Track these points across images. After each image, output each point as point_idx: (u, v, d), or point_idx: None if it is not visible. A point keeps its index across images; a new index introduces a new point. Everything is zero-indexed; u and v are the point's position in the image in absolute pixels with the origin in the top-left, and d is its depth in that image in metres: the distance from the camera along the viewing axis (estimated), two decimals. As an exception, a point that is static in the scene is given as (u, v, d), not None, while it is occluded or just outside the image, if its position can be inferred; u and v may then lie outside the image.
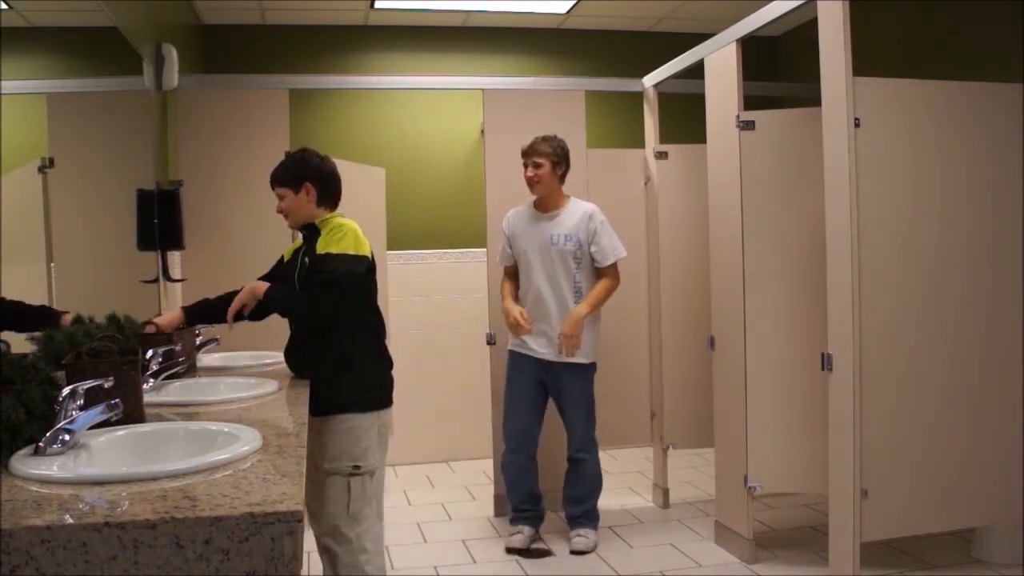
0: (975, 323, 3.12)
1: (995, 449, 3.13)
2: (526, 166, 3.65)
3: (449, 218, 5.34)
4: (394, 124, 5.37)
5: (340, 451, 2.59)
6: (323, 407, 2.55)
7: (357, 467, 2.60)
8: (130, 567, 1.18)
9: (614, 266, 3.64)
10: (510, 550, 3.64)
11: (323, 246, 2.61)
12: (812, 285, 3.21)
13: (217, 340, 3.33)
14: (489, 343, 4.11)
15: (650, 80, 4.36)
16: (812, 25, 3.01)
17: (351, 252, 2.59)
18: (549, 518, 3.88)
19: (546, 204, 3.68)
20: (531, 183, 3.64)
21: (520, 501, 3.75)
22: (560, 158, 3.64)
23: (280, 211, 2.78)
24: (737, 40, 3.42)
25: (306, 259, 2.69)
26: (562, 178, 3.68)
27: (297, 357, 2.75)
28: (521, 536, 3.68)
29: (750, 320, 3.43)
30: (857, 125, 2.90)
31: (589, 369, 3.67)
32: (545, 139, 3.66)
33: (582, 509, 3.71)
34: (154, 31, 3.59)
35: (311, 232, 2.74)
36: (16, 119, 2.03)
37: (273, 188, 2.77)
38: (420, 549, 3.78)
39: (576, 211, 3.65)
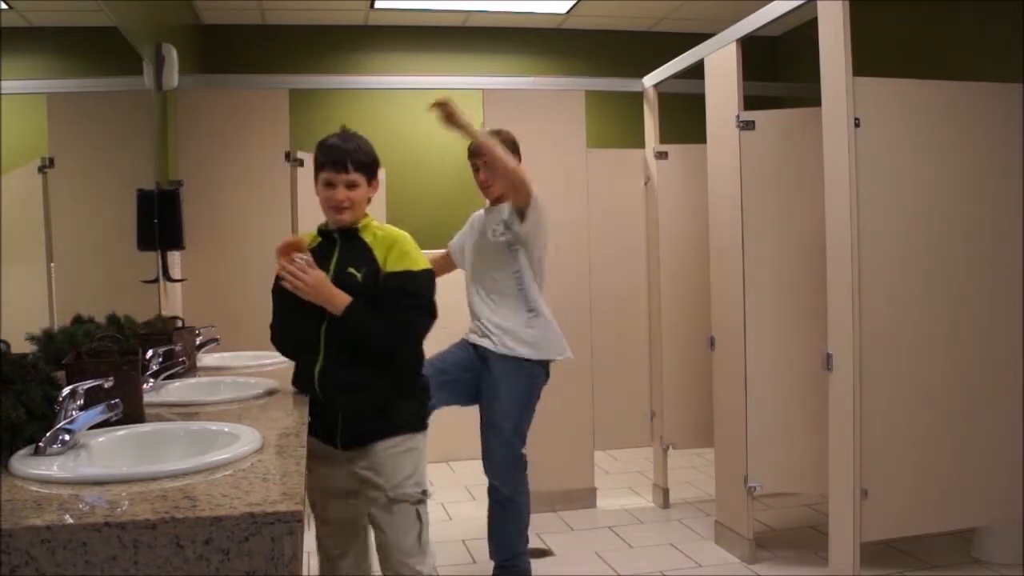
0: (975, 323, 3.12)
1: (995, 449, 3.13)
2: (477, 168, 3.19)
3: (449, 218, 5.28)
4: (394, 124, 5.37)
5: (405, 476, 2.27)
6: (374, 432, 2.27)
7: (425, 492, 2.33)
8: (130, 567, 1.18)
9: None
10: None
11: (395, 261, 2.23)
12: (812, 285, 3.20)
13: (217, 340, 3.34)
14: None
15: (650, 80, 4.36)
16: (812, 25, 3.01)
17: (426, 267, 2.27)
18: (547, 518, 3.87)
19: (500, 199, 3.20)
20: (485, 187, 3.19)
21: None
22: (513, 152, 3.13)
23: (345, 201, 2.29)
24: (737, 40, 3.42)
25: (354, 271, 2.24)
26: None
27: (338, 381, 2.25)
28: None
29: (750, 320, 3.43)
30: (857, 125, 2.90)
31: (529, 366, 3.14)
32: (500, 132, 3.17)
33: (501, 558, 3.27)
34: (154, 31, 3.59)
35: (348, 237, 2.31)
36: (16, 119, 2.03)
37: (346, 171, 2.31)
38: (420, 549, 3.77)
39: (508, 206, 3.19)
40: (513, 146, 3.20)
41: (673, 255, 4.26)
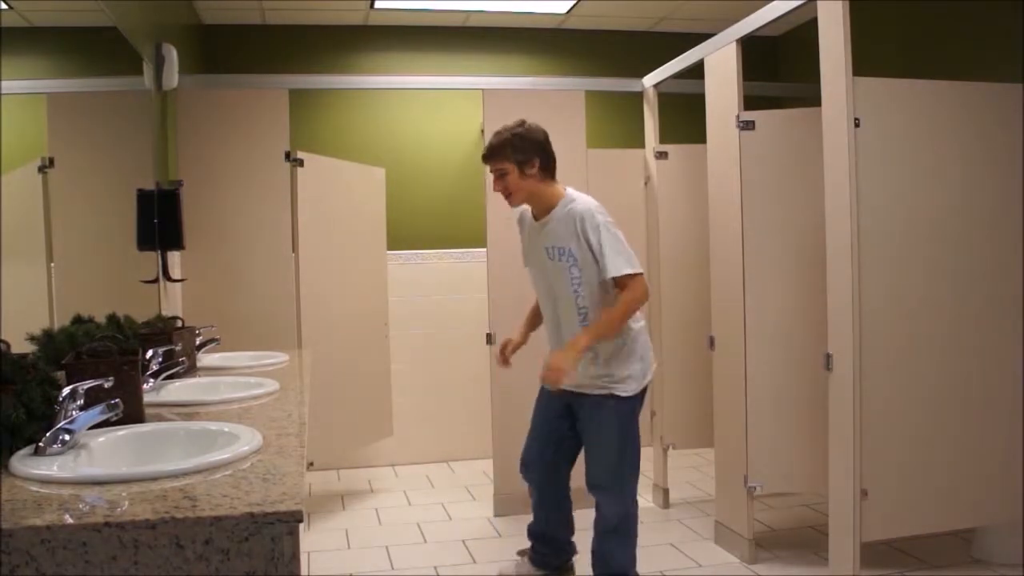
0: (975, 323, 3.12)
1: (995, 449, 3.13)
2: (494, 176, 2.98)
3: (449, 218, 5.34)
4: (394, 124, 5.37)
5: None
6: None
7: None
8: (130, 567, 1.19)
9: (628, 278, 2.84)
10: None
11: None
12: (812, 285, 3.21)
13: (217, 340, 3.34)
14: (489, 343, 4.10)
15: (650, 80, 4.36)
16: (812, 25, 3.01)
17: None
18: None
19: (538, 209, 3.00)
20: (506, 197, 2.99)
21: (535, 536, 3.33)
22: (524, 152, 2.91)
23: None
24: (737, 40, 3.42)
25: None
26: (544, 171, 2.95)
27: None
28: (512, 564, 3.41)
29: (750, 320, 3.43)
30: (857, 125, 2.90)
31: (623, 403, 2.93)
32: (498, 135, 2.96)
33: (598, 569, 3.08)
34: (154, 31, 3.58)
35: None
36: (16, 119, 2.03)
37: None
38: (420, 549, 3.78)
39: (566, 216, 2.91)
40: (530, 141, 2.95)
41: (673, 255, 4.26)
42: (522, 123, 3.01)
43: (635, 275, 2.85)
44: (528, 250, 3.10)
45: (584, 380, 2.97)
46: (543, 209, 3.00)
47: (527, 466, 3.25)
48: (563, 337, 3.00)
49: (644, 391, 3.04)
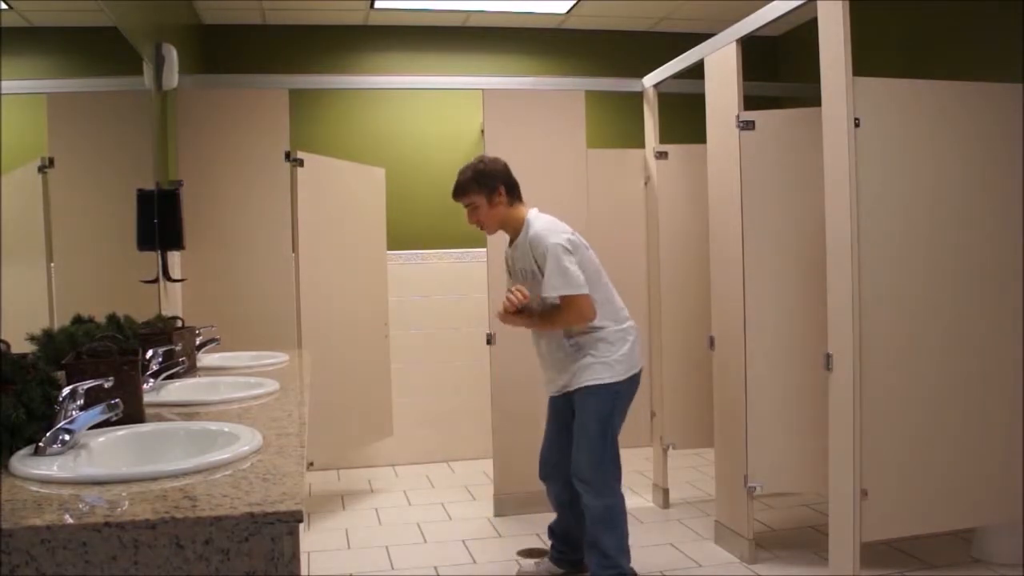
0: (975, 323, 3.12)
1: (995, 449, 3.13)
2: (467, 208, 3.21)
3: (449, 218, 5.31)
4: (394, 124, 5.37)
5: None
6: None
7: None
8: (130, 567, 1.18)
9: (567, 299, 3.01)
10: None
11: None
12: (812, 285, 3.21)
13: (217, 340, 3.34)
14: (489, 343, 4.11)
15: (650, 80, 4.36)
16: (812, 25, 3.01)
17: None
18: (547, 517, 3.85)
19: (511, 233, 3.23)
20: (481, 228, 3.24)
21: (556, 536, 3.40)
22: (489, 183, 3.13)
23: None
24: (737, 40, 3.42)
25: None
26: (511, 197, 3.17)
27: None
28: (532, 564, 3.46)
29: (750, 320, 3.43)
30: (857, 125, 2.90)
31: (599, 392, 3.08)
32: (462, 172, 3.18)
33: (591, 561, 3.14)
34: (154, 31, 3.59)
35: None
36: (16, 119, 2.03)
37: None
38: (420, 549, 3.78)
39: (525, 242, 3.13)
40: (492, 172, 3.14)
41: (673, 255, 4.26)
42: (481, 159, 3.24)
43: (574, 296, 3.00)
44: (508, 269, 3.33)
45: (571, 380, 3.14)
46: (514, 233, 3.22)
47: (542, 468, 3.37)
48: (539, 340, 3.22)
49: (630, 391, 3.18)
